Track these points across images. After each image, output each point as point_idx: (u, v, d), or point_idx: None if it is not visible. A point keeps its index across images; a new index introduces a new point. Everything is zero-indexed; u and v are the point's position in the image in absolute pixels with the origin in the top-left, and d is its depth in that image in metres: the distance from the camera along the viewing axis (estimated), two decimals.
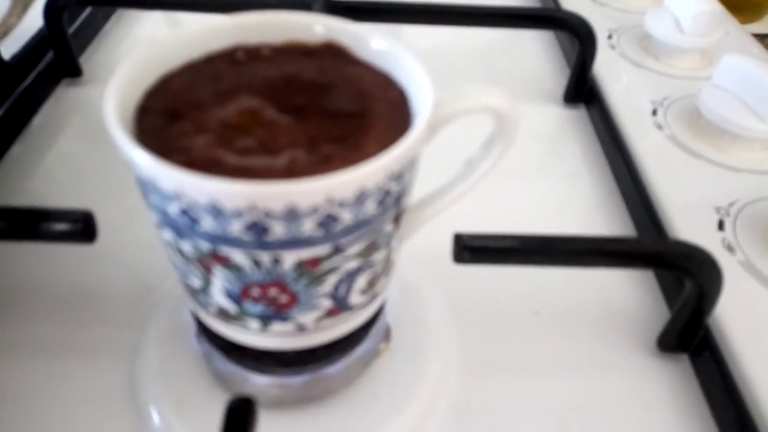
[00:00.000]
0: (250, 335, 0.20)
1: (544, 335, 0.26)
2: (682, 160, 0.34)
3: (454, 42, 0.46)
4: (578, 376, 0.25)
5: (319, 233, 0.16)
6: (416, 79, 0.19)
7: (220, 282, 0.18)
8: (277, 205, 0.15)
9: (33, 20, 0.40)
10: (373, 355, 0.24)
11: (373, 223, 0.17)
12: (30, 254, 0.28)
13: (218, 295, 0.18)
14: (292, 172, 0.16)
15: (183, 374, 0.23)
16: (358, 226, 0.17)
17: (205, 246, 0.17)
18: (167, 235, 0.18)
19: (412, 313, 0.26)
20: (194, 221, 0.16)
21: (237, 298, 0.18)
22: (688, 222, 0.30)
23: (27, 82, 0.37)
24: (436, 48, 0.45)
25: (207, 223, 0.16)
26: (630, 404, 0.24)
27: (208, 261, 0.17)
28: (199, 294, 0.19)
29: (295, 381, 0.23)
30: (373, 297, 0.21)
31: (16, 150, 0.35)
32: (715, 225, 0.30)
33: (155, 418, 0.22)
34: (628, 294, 0.28)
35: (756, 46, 0.45)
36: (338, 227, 0.16)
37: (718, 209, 0.31)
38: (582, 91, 0.40)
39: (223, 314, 0.19)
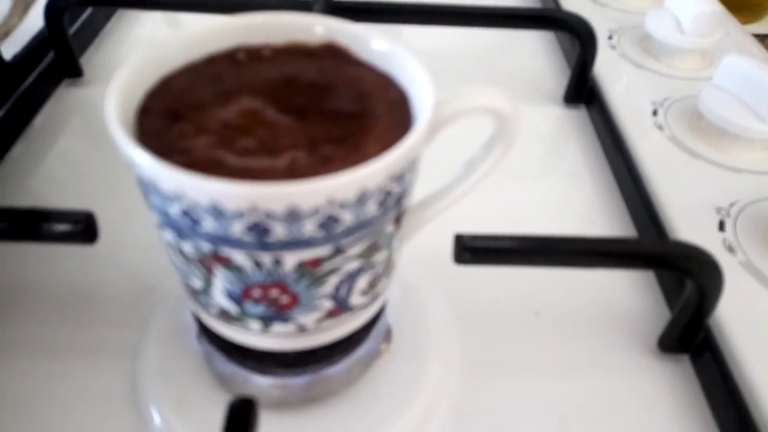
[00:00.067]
0: (251, 336, 0.20)
1: (545, 336, 0.26)
2: (683, 160, 0.34)
3: (455, 42, 0.46)
4: (579, 377, 0.25)
5: (320, 234, 0.16)
6: (417, 80, 0.19)
7: (221, 283, 0.18)
8: (278, 206, 0.15)
9: (34, 21, 0.40)
10: (374, 355, 0.24)
11: (374, 224, 0.17)
12: (31, 254, 0.28)
13: (219, 296, 0.18)
14: (292, 172, 0.16)
15: (184, 375, 0.23)
16: (359, 227, 0.17)
17: (206, 247, 0.17)
18: (168, 235, 0.18)
19: (413, 314, 0.26)
20: (195, 222, 0.16)
21: (238, 299, 0.18)
22: (688, 222, 0.30)
23: (28, 82, 0.37)
24: (436, 48, 0.45)
25: (208, 224, 0.16)
26: (631, 405, 0.24)
27: (209, 262, 0.17)
28: (200, 295, 0.19)
29: (296, 382, 0.23)
30: (374, 298, 0.21)
31: (17, 150, 0.35)
32: (716, 225, 0.30)
33: (156, 418, 0.22)
34: (628, 295, 0.28)
35: (756, 47, 0.45)
36: (339, 228, 0.16)
37: (718, 210, 0.31)
38: (582, 91, 0.40)
39: (224, 315, 0.19)
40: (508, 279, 0.27)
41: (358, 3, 0.38)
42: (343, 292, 0.19)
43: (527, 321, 0.27)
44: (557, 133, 0.39)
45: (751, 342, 0.24)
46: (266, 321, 0.19)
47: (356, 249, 0.17)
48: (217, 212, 0.15)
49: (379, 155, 0.16)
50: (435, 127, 0.18)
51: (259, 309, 0.18)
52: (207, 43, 0.20)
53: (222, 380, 0.23)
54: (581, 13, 0.38)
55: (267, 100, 0.18)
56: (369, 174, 0.16)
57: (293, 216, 0.15)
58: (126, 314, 0.26)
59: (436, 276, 0.27)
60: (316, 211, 0.15)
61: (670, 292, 0.28)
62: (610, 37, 0.45)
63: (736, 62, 0.35)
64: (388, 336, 0.25)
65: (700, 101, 0.35)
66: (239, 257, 0.17)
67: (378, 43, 0.20)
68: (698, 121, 0.36)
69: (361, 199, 0.16)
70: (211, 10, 0.38)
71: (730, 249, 0.28)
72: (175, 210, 0.16)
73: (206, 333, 0.22)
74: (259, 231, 0.16)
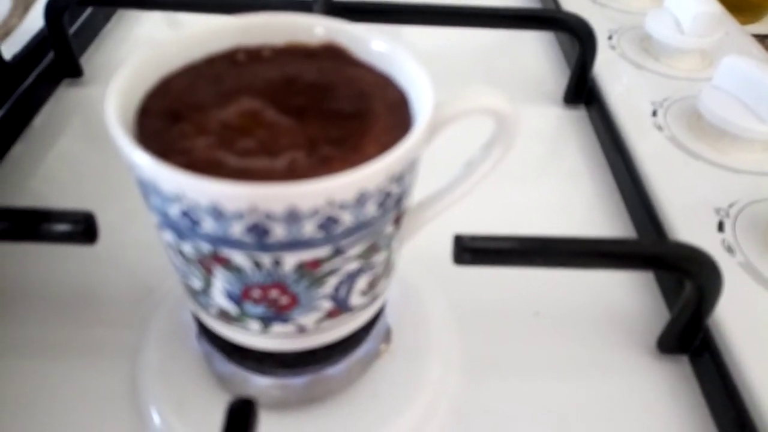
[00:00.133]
0: (251, 336, 0.20)
1: (545, 336, 0.26)
2: (682, 161, 0.34)
3: (455, 43, 0.46)
4: (579, 377, 0.25)
5: (320, 235, 0.16)
6: (416, 81, 0.19)
7: (220, 283, 0.18)
8: (278, 207, 0.15)
9: (34, 21, 0.40)
10: (374, 356, 0.24)
11: (374, 224, 0.17)
12: (31, 255, 0.28)
13: (219, 297, 0.18)
14: (292, 173, 0.16)
15: (183, 375, 0.23)
16: (359, 227, 0.17)
17: (205, 247, 0.17)
18: (168, 236, 0.18)
19: (413, 315, 0.26)
20: (195, 223, 0.16)
21: (238, 299, 0.18)
22: (687, 223, 0.30)
23: (28, 82, 0.37)
24: (436, 49, 0.45)
25: (208, 225, 0.16)
26: (630, 405, 0.24)
27: (209, 262, 0.17)
28: (200, 295, 0.19)
29: (295, 382, 0.23)
30: (374, 298, 0.21)
31: (17, 150, 0.35)
32: (715, 226, 0.30)
33: (156, 418, 0.22)
34: (628, 295, 0.28)
35: (756, 47, 0.45)
36: (339, 229, 0.16)
37: (717, 210, 0.31)
38: (582, 92, 0.40)
39: (223, 315, 0.19)
40: (508, 279, 0.27)
41: (357, 3, 0.38)
42: (342, 292, 0.19)
43: (527, 321, 0.27)
44: (557, 134, 0.39)
45: (750, 343, 0.24)
46: (266, 321, 0.19)
47: (356, 250, 0.17)
48: (217, 213, 0.15)
49: (379, 156, 0.16)
50: (435, 128, 0.18)
51: (258, 309, 0.18)
52: (207, 43, 0.20)
53: (222, 380, 0.23)
54: (581, 13, 0.38)
55: (267, 100, 0.18)
56: (368, 175, 0.16)
57: (293, 217, 0.15)
58: (126, 314, 0.26)
59: (435, 276, 0.27)
60: (315, 212, 0.15)
61: (670, 292, 0.28)
62: (609, 38, 0.45)
63: (736, 63, 0.35)
64: (387, 336, 0.25)
65: (700, 102, 0.35)
66: (239, 258, 0.17)
67: (378, 44, 0.20)
68: (698, 121, 0.36)
69: (361, 200, 0.16)
70: (211, 10, 0.38)
71: (730, 250, 0.28)
72: (174, 211, 0.16)
73: (206, 333, 0.22)
74: (259, 232, 0.16)
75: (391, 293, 0.23)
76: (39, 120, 0.37)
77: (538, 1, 0.53)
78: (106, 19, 0.46)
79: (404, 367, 0.24)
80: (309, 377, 0.22)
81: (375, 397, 0.23)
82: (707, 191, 0.32)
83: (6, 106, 0.35)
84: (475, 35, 0.44)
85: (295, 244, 0.16)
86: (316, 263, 0.17)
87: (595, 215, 0.33)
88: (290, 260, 0.17)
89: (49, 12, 0.37)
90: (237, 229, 0.16)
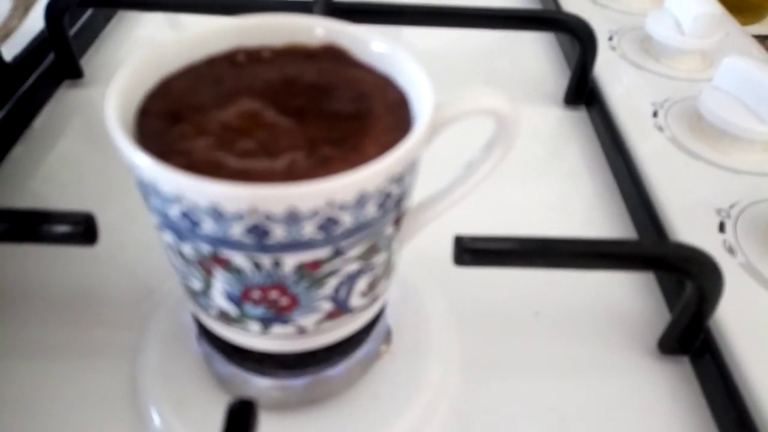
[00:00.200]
0: (251, 338, 0.20)
1: (545, 337, 0.26)
2: (683, 161, 0.34)
3: (455, 44, 0.46)
4: (579, 378, 0.25)
5: (320, 236, 0.16)
6: (416, 81, 0.19)
7: (220, 284, 0.18)
8: (278, 208, 0.15)
9: (34, 22, 0.40)
10: (374, 357, 0.24)
11: (374, 225, 0.17)
12: (31, 256, 0.28)
13: (219, 298, 0.18)
14: (291, 174, 0.16)
15: (183, 376, 0.23)
16: (359, 228, 0.17)
17: (205, 249, 0.17)
18: (168, 237, 0.18)
19: (413, 315, 0.26)
20: (195, 224, 0.16)
21: (237, 300, 0.18)
22: (688, 224, 0.30)
23: (28, 83, 0.37)
24: (436, 50, 0.45)
25: (208, 226, 0.16)
26: (631, 406, 0.24)
27: (209, 263, 0.17)
28: (200, 296, 0.19)
29: (295, 383, 0.23)
30: (374, 299, 0.21)
31: (18, 151, 0.35)
32: (716, 227, 0.30)
33: (156, 419, 0.22)
34: (628, 296, 0.28)
35: (756, 48, 0.45)
36: (339, 230, 0.16)
37: (718, 211, 0.31)
38: (582, 92, 0.40)
39: (223, 317, 0.19)
40: (508, 279, 0.27)
41: (357, 4, 0.38)
42: (342, 293, 0.19)
43: (527, 321, 0.27)
44: (557, 134, 0.39)
45: (751, 343, 0.24)
46: (266, 322, 0.19)
47: (356, 251, 0.17)
48: (217, 214, 0.15)
49: (379, 156, 0.16)
50: (435, 129, 0.18)
51: (258, 310, 0.18)
52: (207, 44, 0.20)
53: (222, 381, 0.23)
54: (581, 14, 0.38)
55: (267, 101, 0.18)
56: (368, 176, 0.16)
57: (293, 218, 0.15)
58: (126, 315, 0.26)
59: (435, 277, 0.27)
60: (315, 213, 0.15)
61: (670, 293, 0.28)
62: (610, 39, 0.45)
63: (736, 63, 0.35)
64: (387, 337, 0.25)
65: (701, 102, 0.35)
66: (239, 259, 0.17)
67: (378, 45, 0.20)
68: (698, 122, 0.36)
69: (361, 201, 0.16)
70: (212, 11, 0.38)
71: (731, 250, 0.28)
72: (174, 212, 0.16)
73: (206, 334, 0.22)
74: (259, 233, 0.16)
75: (392, 294, 0.23)
76: (39, 121, 0.37)
77: (538, 2, 0.53)
78: (107, 20, 0.47)
79: (404, 367, 0.24)
80: (309, 378, 0.22)
81: (375, 398, 0.23)
82: (708, 192, 0.32)
83: (6, 108, 0.35)
84: (476, 36, 0.44)
85: (295, 245, 0.16)
86: (316, 264, 0.17)
87: (596, 216, 0.33)
88: (290, 261, 0.17)
89: (50, 13, 0.37)
90: (237, 230, 0.16)
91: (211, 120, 0.18)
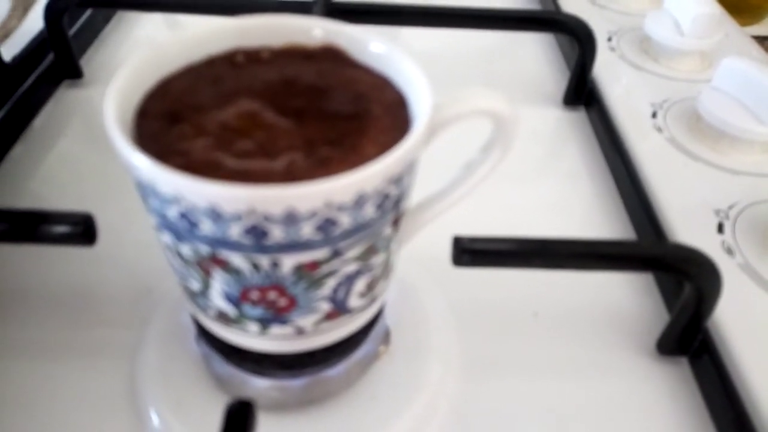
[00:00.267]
0: (250, 338, 0.20)
1: (544, 337, 0.26)
2: (682, 162, 0.34)
3: (454, 44, 0.46)
4: (578, 378, 0.25)
5: (318, 237, 0.16)
6: (415, 82, 0.19)
7: (219, 285, 0.18)
8: (276, 209, 0.15)
9: (34, 22, 0.40)
10: (373, 357, 0.24)
11: (372, 226, 0.17)
12: (30, 256, 0.28)
13: (217, 298, 0.18)
14: (290, 174, 0.16)
15: (182, 376, 0.23)
16: (357, 229, 0.17)
17: (204, 249, 0.17)
18: (166, 238, 0.18)
19: (412, 316, 0.26)
20: (193, 225, 0.16)
21: (236, 301, 0.18)
22: (687, 225, 0.30)
23: (28, 83, 0.37)
24: (435, 50, 0.45)
25: (206, 227, 0.16)
26: (629, 407, 0.24)
27: (207, 264, 0.17)
28: (199, 297, 0.19)
29: (294, 384, 0.23)
30: (373, 300, 0.21)
31: (17, 151, 0.35)
32: (715, 228, 0.30)
33: (154, 419, 0.22)
34: (627, 296, 0.28)
35: (755, 48, 0.45)
36: (337, 231, 0.16)
37: (717, 212, 0.31)
38: (582, 93, 0.40)
39: (222, 317, 0.19)
40: (507, 280, 0.27)
41: (356, 5, 0.38)
42: (341, 294, 0.19)
43: (526, 322, 0.27)
44: (556, 135, 0.39)
45: (750, 344, 0.24)
46: (264, 323, 0.19)
47: (354, 251, 0.17)
48: (215, 215, 0.15)
49: (377, 157, 0.16)
50: (433, 130, 0.18)
51: (257, 311, 0.18)
52: (206, 44, 0.20)
53: (220, 382, 0.23)
54: (580, 15, 0.38)
55: (265, 102, 0.18)
56: (367, 177, 0.16)
57: (291, 219, 0.15)
58: (125, 315, 0.26)
59: (434, 277, 0.27)
60: (313, 214, 0.15)
61: (669, 294, 0.28)
62: (609, 39, 0.45)
63: (736, 64, 0.35)
64: (386, 338, 0.25)
65: (700, 103, 0.35)
66: (237, 260, 0.17)
67: (376, 46, 0.20)
68: (697, 123, 0.36)
69: (359, 201, 0.16)
70: (211, 11, 0.38)
71: (729, 251, 0.28)
72: (173, 212, 0.16)
73: (205, 335, 0.22)
74: (257, 233, 0.16)
75: (390, 294, 0.23)
76: (39, 121, 0.37)
77: (537, 3, 0.53)
78: (106, 20, 0.47)
79: (403, 368, 0.24)
80: (308, 379, 0.22)
81: (374, 398, 0.23)
82: (707, 193, 0.32)
83: (6, 108, 0.35)
84: (474, 37, 0.44)
85: (294, 245, 0.16)
86: (315, 265, 0.17)
87: (595, 217, 0.33)
88: (288, 262, 0.17)
89: (49, 13, 0.37)
90: (235, 231, 0.16)
91: (210, 120, 0.18)
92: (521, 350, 0.26)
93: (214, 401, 0.22)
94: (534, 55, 0.46)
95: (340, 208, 0.16)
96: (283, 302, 0.18)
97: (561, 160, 0.37)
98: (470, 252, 0.22)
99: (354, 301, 0.19)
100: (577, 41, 0.38)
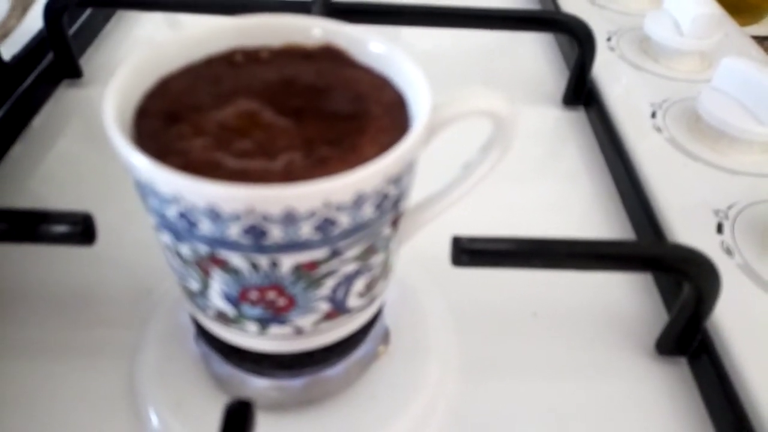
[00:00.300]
0: (249, 338, 0.20)
1: (543, 337, 0.26)
2: (681, 162, 0.34)
3: (453, 44, 0.46)
4: (577, 378, 0.25)
5: (317, 237, 0.16)
6: (414, 82, 0.19)
7: (218, 285, 0.18)
8: (275, 209, 0.15)
9: (33, 21, 0.40)
10: (372, 357, 0.24)
11: (371, 226, 0.17)
12: (29, 256, 0.28)
13: (216, 298, 0.18)
14: (289, 174, 0.16)
15: (181, 376, 0.23)
16: (356, 229, 0.17)
17: (203, 249, 0.17)
18: (165, 238, 0.18)
19: (411, 316, 0.26)
20: (192, 224, 0.16)
21: (235, 301, 0.18)
22: (686, 225, 0.30)
23: (27, 83, 0.37)
24: (434, 50, 0.45)
25: (205, 227, 0.16)
26: (628, 407, 0.24)
27: (207, 264, 0.17)
28: (198, 297, 0.19)
29: (293, 384, 0.23)
30: (372, 300, 0.21)
31: (16, 151, 0.35)
32: (714, 228, 0.30)
33: (153, 419, 0.22)
34: (626, 296, 0.28)
35: (755, 49, 0.45)
36: (336, 231, 0.16)
37: (716, 212, 0.31)
38: (581, 93, 0.40)
39: (221, 317, 0.19)
40: (507, 280, 0.27)
41: (356, 5, 0.38)
42: (340, 294, 0.19)
43: (525, 322, 0.27)
44: (556, 135, 0.39)
45: (749, 344, 0.24)
46: (263, 323, 0.19)
47: (353, 251, 0.17)
48: (214, 215, 0.15)
49: (377, 157, 0.16)
50: (432, 130, 0.18)
51: (256, 311, 0.18)
52: (205, 44, 0.20)
53: (219, 382, 0.23)
54: (580, 14, 0.38)
55: (264, 101, 0.18)
56: (366, 177, 0.16)
57: (290, 218, 0.15)
58: (124, 315, 0.26)
59: (434, 277, 0.27)
60: (312, 214, 0.15)
61: (668, 294, 0.28)
62: (608, 39, 0.45)
63: (735, 64, 0.35)
64: (385, 338, 0.25)
65: (699, 103, 0.35)
66: (236, 259, 0.17)
67: (375, 46, 0.20)
68: (697, 123, 0.36)
69: (358, 201, 0.16)
70: (211, 11, 0.38)
71: (728, 251, 0.28)
72: (172, 212, 0.16)
73: (204, 335, 0.22)
74: (256, 233, 0.16)
75: (389, 294, 0.23)
76: (38, 121, 0.37)
77: (537, 3, 0.53)
78: (106, 20, 0.47)
79: (402, 368, 0.24)
80: (307, 379, 0.22)
81: (373, 398, 0.23)
82: (706, 193, 0.32)
83: (5, 107, 0.35)
84: (474, 36, 0.44)
85: (292, 245, 0.16)
86: (314, 265, 0.17)
87: (594, 217, 0.33)
88: (287, 262, 0.17)
89: (49, 13, 0.37)
90: (234, 231, 0.16)
91: (209, 120, 0.18)
92: (520, 350, 0.26)
93: (213, 401, 0.22)
94: (534, 55, 0.46)
95: (339, 208, 0.16)
96: (282, 302, 0.18)
97: (560, 160, 0.37)
98: (469, 252, 0.22)
99: (353, 301, 0.19)
100: (577, 41, 0.38)
